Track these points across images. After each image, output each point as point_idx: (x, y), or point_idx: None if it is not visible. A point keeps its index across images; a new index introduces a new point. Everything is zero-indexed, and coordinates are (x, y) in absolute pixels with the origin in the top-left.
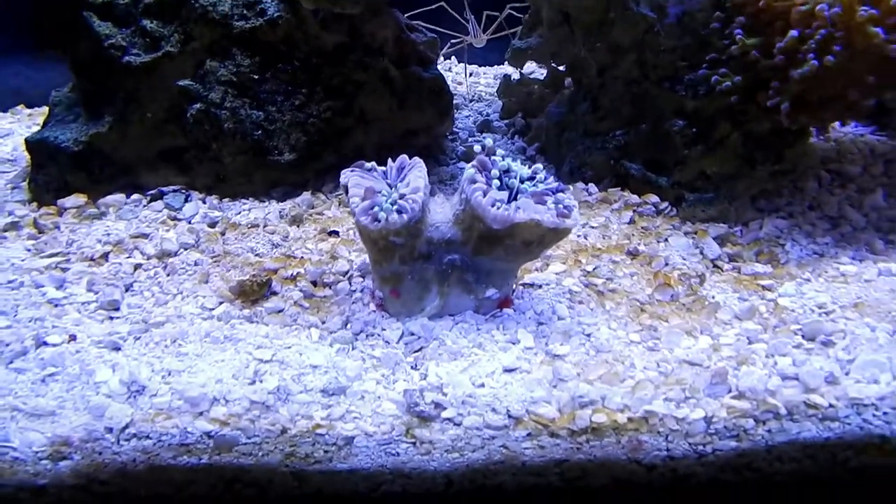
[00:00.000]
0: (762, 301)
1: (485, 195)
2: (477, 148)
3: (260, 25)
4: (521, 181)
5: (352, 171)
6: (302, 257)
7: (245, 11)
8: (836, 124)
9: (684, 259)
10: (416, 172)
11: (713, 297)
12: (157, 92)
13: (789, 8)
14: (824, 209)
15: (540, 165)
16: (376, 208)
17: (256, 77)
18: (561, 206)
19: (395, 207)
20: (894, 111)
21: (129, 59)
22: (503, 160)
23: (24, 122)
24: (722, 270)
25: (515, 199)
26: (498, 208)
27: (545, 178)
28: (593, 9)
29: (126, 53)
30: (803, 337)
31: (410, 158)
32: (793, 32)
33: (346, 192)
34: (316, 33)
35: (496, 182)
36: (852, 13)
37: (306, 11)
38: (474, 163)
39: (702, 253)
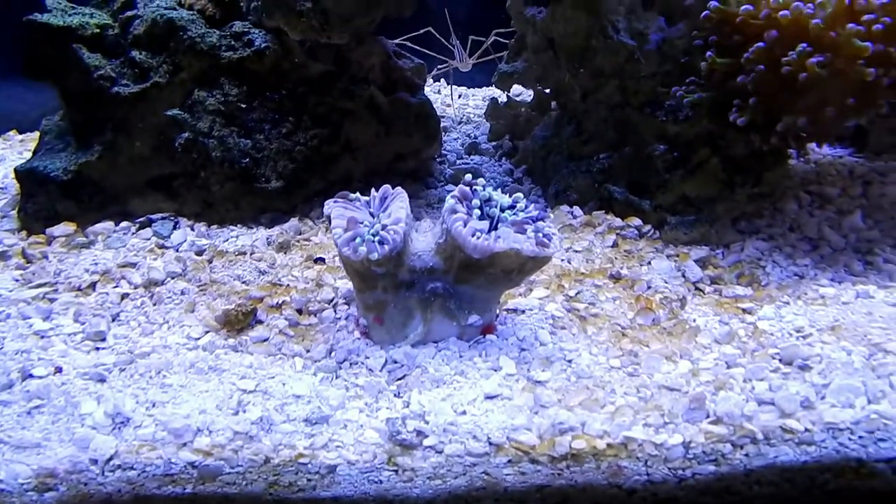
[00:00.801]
0: (742, 324)
1: (465, 225)
2: (468, 177)
3: (248, 55)
4: (502, 210)
5: (335, 202)
6: (288, 285)
7: (233, 42)
8: (815, 146)
9: (666, 282)
10: (398, 203)
11: (694, 321)
12: (146, 121)
13: (764, 28)
14: (804, 230)
15: (520, 194)
16: (358, 239)
17: (244, 106)
18: (540, 234)
19: (376, 239)
20: (872, 133)
21: (118, 89)
22: (484, 190)
23: (16, 149)
24: (703, 293)
25: (496, 228)
26: (478, 238)
27: (525, 207)
28: (576, 36)
29: (115, 84)
30: (781, 361)
31: (399, 182)
32: (759, 44)
33: (330, 222)
34: (303, 62)
35: (477, 212)
36: (839, 25)
37: (293, 42)
38: (455, 193)
39: (683, 276)
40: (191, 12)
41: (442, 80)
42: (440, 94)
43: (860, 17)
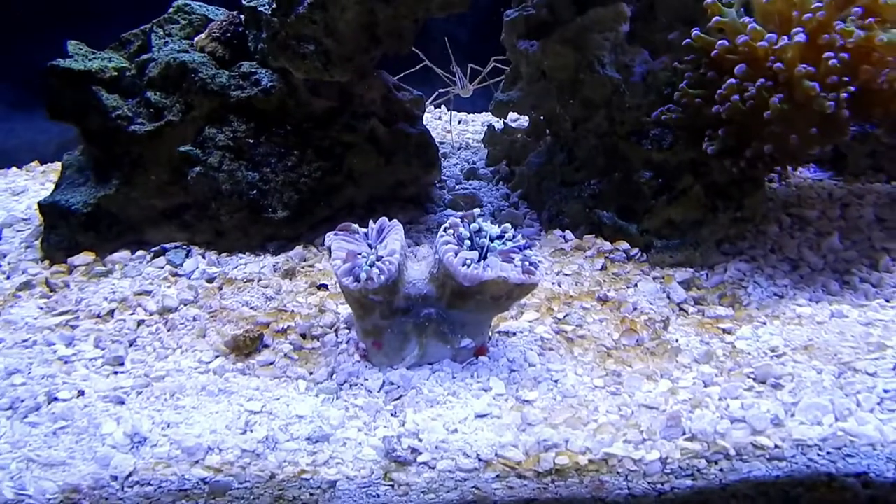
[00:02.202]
0: (721, 344)
1: (456, 255)
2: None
3: (255, 94)
4: (491, 240)
5: (336, 234)
6: (293, 311)
7: (241, 82)
8: (797, 170)
9: (651, 304)
10: (394, 235)
11: (676, 341)
12: (161, 156)
13: (739, 60)
14: (785, 252)
15: (509, 225)
16: (356, 270)
17: (252, 141)
18: (527, 262)
19: (373, 270)
20: (850, 157)
21: (134, 127)
22: (475, 221)
23: (38, 180)
24: (687, 314)
25: (486, 257)
26: (467, 267)
27: (514, 237)
28: (565, 69)
29: (132, 123)
30: (755, 380)
31: (400, 207)
32: (731, 80)
33: (330, 254)
34: (307, 100)
35: (467, 242)
36: (792, 67)
37: (297, 80)
38: (447, 224)
39: (668, 297)
40: (202, 55)
41: (443, 106)
42: (440, 121)
43: (821, 56)
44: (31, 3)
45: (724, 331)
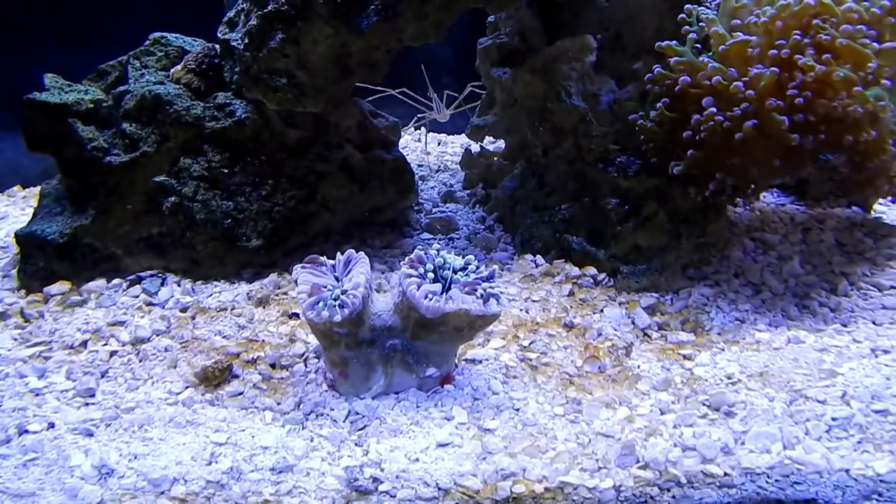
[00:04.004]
0: (681, 370)
1: (419, 288)
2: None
3: (230, 125)
4: (454, 272)
5: (303, 267)
6: (263, 340)
7: (216, 113)
8: (761, 195)
9: (615, 329)
10: (359, 269)
11: (638, 367)
12: (136, 187)
13: (702, 95)
14: (748, 276)
15: (472, 257)
16: (321, 303)
17: (226, 171)
18: (488, 294)
19: (337, 303)
20: (811, 182)
21: (110, 159)
22: (438, 254)
23: (19, 205)
24: (651, 339)
25: (449, 289)
26: (430, 300)
27: (477, 268)
28: (535, 98)
29: (107, 154)
30: (709, 407)
31: (377, 231)
32: (711, 109)
33: (297, 285)
34: (280, 130)
35: (430, 275)
36: (763, 99)
37: (271, 111)
38: (411, 257)
39: (633, 322)
40: (177, 86)
41: (422, 128)
42: (420, 143)
43: (785, 91)
44: (15, 23)
45: (685, 357)
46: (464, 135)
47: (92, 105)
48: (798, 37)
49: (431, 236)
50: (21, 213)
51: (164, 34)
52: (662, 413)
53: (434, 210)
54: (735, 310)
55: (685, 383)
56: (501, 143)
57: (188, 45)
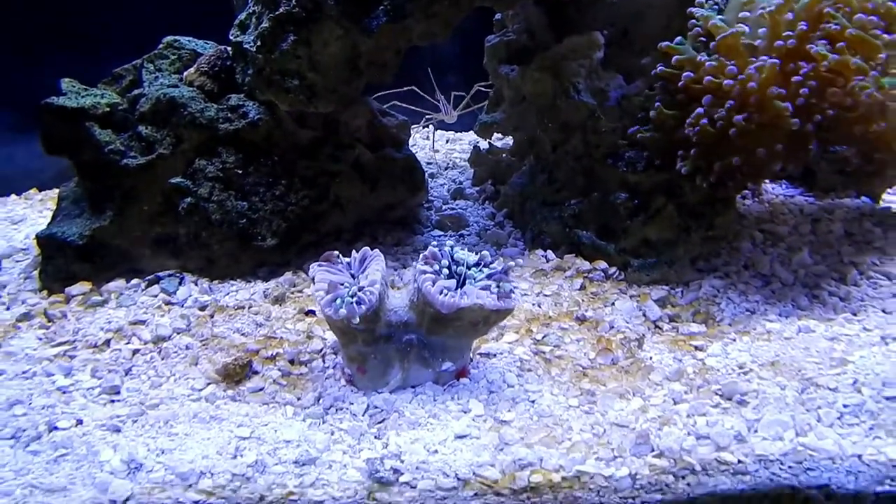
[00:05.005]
0: (693, 361)
1: (434, 284)
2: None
3: (243, 127)
4: (468, 268)
5: (319, 265)
6: (281, 337)
7: (229, 115)
8: (770, 187)
9: (627, 322)
10: (374, 266)
11: (650, 358)
12: (153, 188)
13: (705, 91)
14: (758, 268)
15: (486, 252)
16: (338, 300)
17: (240, 172)
18: (502, 289)
19: (354, 299)
20: (819, 173)
21: (126, 161)
22: (452, 250)
23: (37, 208)
24: (662, 331)
25: (463, 285)
26: (445, 295)
27: (490, 263)
28: (544, 95)
29: (124, 157)
30: (722, 397)
31: (388, 229)
32: (699, 109)
33: (314, 283)
34: (292, 130)
35: (445, 271)
36: (764, 89)
37: (283, 112)
38: (426, 254)
39: (644, 315)
40: (191, 89)
41: (430, 126)
42: (428, 141)
43: (789, 80)
44: (31, 28)
45: (696, 347)
46: (472, 133)
47: (108, 108)
48: (804, 27)
49: (442, 233)
50: (39, 215)
51: (177, 37)
52: (675, 403)
53: (444, 207)
54: (745, 301)
55: (697, 373)
56: (509, 140)
57: (200, 47)
